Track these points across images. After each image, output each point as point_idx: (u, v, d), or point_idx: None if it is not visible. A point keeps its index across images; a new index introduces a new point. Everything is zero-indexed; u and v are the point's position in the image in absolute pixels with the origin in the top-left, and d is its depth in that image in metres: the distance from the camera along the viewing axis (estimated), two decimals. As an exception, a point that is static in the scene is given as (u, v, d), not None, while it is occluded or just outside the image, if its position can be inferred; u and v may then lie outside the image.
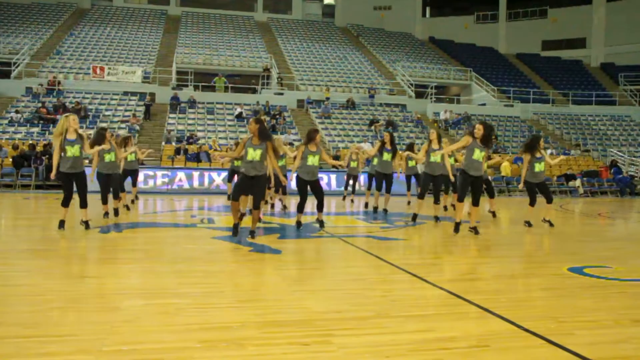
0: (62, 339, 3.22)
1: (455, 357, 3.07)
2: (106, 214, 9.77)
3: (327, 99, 28.00)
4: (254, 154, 7.40)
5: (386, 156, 11.37)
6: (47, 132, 21.43)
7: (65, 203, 7.90)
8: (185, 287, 4.69)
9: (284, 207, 12.27)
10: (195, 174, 19.04)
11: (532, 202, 9.81)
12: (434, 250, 7.32)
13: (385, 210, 11.81)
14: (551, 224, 9.80)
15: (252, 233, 7.58)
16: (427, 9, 45.35)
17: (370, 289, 4.79)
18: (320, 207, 8.82)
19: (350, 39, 40.12)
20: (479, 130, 8.09)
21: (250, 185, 7.61)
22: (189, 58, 31.13)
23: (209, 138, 22.96)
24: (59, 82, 26.08)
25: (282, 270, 5.62)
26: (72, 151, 7.83)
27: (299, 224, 8.73)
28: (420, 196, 10.16)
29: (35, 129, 21.88)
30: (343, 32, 41.67)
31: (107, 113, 24.41)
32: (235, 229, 7.66)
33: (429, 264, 6.29)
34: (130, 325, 3.52)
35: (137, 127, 23.28)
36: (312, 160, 8.56)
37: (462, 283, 5.15)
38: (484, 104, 31.94)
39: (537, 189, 9.80)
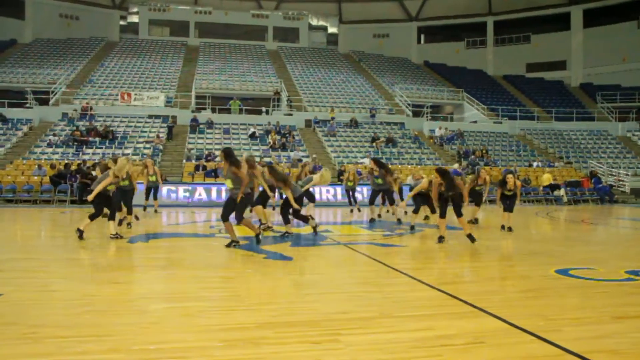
0: (96, 339, 3.23)
1: (453, 353, 3.05)
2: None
3: (332, 118, 28.06)
4: (226, 182, 7.42)
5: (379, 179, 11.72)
6: (80, 153, 21.61)
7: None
8: (205, 292, 4.69)
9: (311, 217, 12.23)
10: (214, 188, 19.10)
11: (505, 209, 10.23)
12: (431, 255, 7.26)
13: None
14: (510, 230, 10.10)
15: (231, 243, 7.42)
16: (422, 36, 45.51)
17: (374, 291, 4.77)
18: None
19: (353, 64, 40.29)
20: (436, 178, 8.21)
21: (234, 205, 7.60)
22: (207, 84, 31.34)
23: (226, 156, 23.02)
24: (91, 108, 26.33)
25: (293, 275, 5.61)
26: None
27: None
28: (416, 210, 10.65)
29: (71, 150, 22.06)
30: (346, 58, 41.88)
31: (133, 134, 24.59)
32: (234, 242, 7.48)
33: (428, 268, 6.26)
34: (156, 327, 3.53)
35: (161, 147, 23.44)
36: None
37: (458, 285, 5.12)
38: (475, 122, 31.89)
39: (508, 200, 10.17)
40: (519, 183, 10.18)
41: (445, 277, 5.67)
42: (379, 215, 12.85)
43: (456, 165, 22.28)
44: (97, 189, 8.11)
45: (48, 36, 37.91)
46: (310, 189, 12.18)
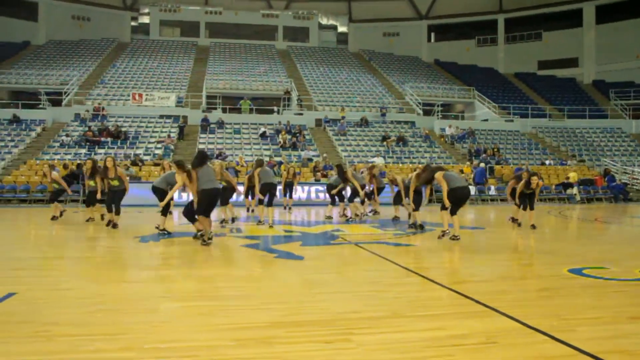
0: (108, 337, 3.25)
1: (465, 353, 3.02)
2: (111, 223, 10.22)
3: (343, 117, 28.04)
4: None
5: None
6: (93, 153, 21.78)
7: None
8: (217, 291, 4.71)
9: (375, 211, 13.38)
10: (225, 187, 19.08)
11: (524, 208, 10.88)
12: (442, 254, 7.20)
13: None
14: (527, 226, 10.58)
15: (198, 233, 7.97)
16: (432, 35, 45.31)
17: (386, 291, 4.75)
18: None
19: (363, 63, 40.22)
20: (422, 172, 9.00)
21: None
22: (217, 84, 31.48)
23: (236, 155, 23.13)
24: (103, 108, 26.58)
25: (304, 275, 5.60)
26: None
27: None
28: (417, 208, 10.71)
29: (83, 150, 22.26)
30: (356, 57, 41.82)
31: (145, 134, 24.77)
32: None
33: (439, 267, 6.23)
34: (168, 326, 3.54)
35: (172, 147, 23.57)
36: None
37: (470, 284, 5.08)
38: (486, 120, 31.68)
39: (527, 198, 10.75)
40: (540, 183, 10.70)
41: (456, 276, 5.63)
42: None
43: (482, 165, 22.44)
44: (170, 194, 8.87)
45: (60, 38, 38.35)
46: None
